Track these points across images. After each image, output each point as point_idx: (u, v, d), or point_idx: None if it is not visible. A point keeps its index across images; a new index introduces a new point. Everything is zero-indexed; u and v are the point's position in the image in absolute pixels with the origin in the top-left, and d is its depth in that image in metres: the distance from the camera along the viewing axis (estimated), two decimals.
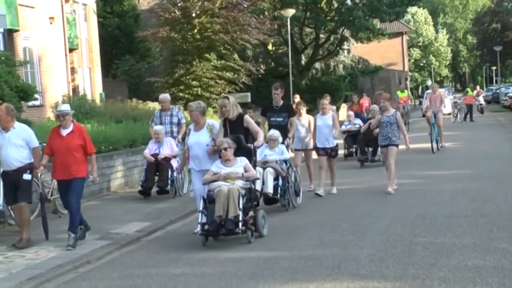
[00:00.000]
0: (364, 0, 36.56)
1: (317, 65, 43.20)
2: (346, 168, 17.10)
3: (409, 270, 7.31)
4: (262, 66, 34.37)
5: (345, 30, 39.02)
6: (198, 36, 26.91)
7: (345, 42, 43.04)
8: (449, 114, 38.52)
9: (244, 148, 9.83)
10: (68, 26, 24.54)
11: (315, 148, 13.58)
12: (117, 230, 10.52)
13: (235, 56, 29.04)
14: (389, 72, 57.01)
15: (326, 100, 13.83)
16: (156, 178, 13.57)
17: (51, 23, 23.18)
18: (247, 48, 33.50)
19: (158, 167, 13.58)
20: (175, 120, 14.18)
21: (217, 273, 7.79)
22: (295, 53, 37.01)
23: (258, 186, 10.78)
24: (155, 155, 13.65)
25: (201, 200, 9.31)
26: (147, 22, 31.60)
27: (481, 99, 41.66)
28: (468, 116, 34.99)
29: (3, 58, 12.83)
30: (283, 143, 12.24)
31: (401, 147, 13.81)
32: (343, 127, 19.66)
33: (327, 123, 13.39)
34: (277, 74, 38.17)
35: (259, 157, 11.32)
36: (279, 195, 11.46)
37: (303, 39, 40.21)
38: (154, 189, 13.61)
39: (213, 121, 10.27)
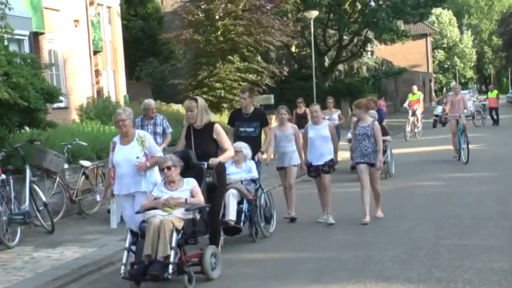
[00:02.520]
0: (387, 1, 36.39)
1: (340, 66, 43.10)
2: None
3: (434, 273, 7.26)
4: (285, 68, 34.27)
5: (369, 31, 38.88)
6: (222, 39, 26.98)
7: (369, 44, 42.89)
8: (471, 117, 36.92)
9: (196, 167, 7.89)
10: (93, 29, 24.72)
11: (306, 167, 10.91)
12: None
13: (259, 58, 29.07)
14: (413, 74, 56.67)
15: (318, 106, 11.32)
16: None
17: (75, 26, 23.36)
18: (271, 50, 33.48)
19: None
20: (159, 129, 12.23)
21: (240, 275, 7.80)
22: (318, 55, 36.94)
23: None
24: None
25: (129, 234, 7.45)
26: (170, 24, 31.73)
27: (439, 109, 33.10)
28: (496, 118, 32.67)
29: (29, 61, 12.91)
30: (253, 158, 10.06)
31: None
32: (349, 135, 16.70)
33: (321, 135, 10.71)
34: (301, 76, 38.16)
35: None
36: (242, 223, 9.33)
37: (326, 41, 40.13)
38: None
39: (144, 132, 8.40)
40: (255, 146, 10.25)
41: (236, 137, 10.41)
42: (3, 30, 10.41)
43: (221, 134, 8.28)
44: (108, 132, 15.52)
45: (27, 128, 12.60)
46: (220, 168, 8.19)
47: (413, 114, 27.21)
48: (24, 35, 19.89)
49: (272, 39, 27.83)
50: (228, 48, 27.20)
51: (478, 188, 13.26)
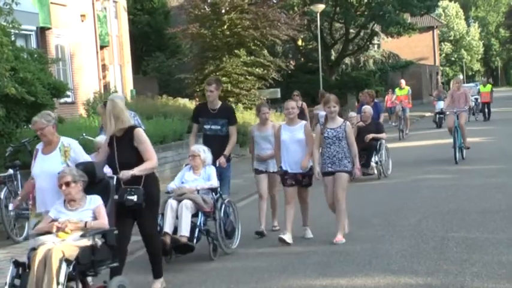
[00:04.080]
0: None
1: (347, 60, 43.02)
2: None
3: (442, 266, 7.25)
4: (291, 62, 34.28)
5: (375, 25, 38.79)
6: (228, 33, 26.96)
7: (375, 37, 42.80)
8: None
9: (103, 182, 6.61)
10: (99, 24, 24.76)
11: (280, 174, 9.26)
12: None
13: (265, 51, 29.03)
14: (420, 67, 56.51)
15: (294, 102, 9.68)
16: None
17: (82, 21, 23.41)
18: (277, 44, 33.44)
19: None
20: None
21: (248, 268, 7.82)
22: (324, 49, 36.86)
23: (169, 227, 8.00)
24: None
25: (11, 265, 6.01)
26: (177, 19, 31.75)
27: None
28: (487, 114, 31.38)
29: (36, 56, 12.98)
30: (214, 164, 8.87)
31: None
32: None
33: (296, 138, 9.03)
34: (307, 69, 38.10)
35: (177, 183, 8.66)
36: (195, 240, 8.12)
37: (333, 35, 40.05)
38: None
39: (70, 140, 6.93)
40: (222, 147, 9.11)
41: (203, 136, 9.44)
42: (10, 25, 10.42)
43: (143, 142, 6.90)
44: None
45: None
46: (149, 183, 6.88)
47: (403, 109, 25.57)
48: (31, 30, 19.93)
49: (278, 32, 27.79)
50: (234, 42, 27.18)
51: (485, 181, 13.22)
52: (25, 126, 12.23)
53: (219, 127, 9.26)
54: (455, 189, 12.54)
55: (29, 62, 11.89)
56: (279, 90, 28.39)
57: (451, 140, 16.67)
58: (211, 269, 7.87)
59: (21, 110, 11.32)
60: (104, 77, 25.48)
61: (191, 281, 7.48)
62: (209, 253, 8.35)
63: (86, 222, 6.23)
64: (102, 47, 25.15)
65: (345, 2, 36.73)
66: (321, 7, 29.45)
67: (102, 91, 22.74)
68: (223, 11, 27.26)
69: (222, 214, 8.57)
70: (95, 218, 6.31)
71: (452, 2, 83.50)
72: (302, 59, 41.01)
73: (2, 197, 9.66)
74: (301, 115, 16.50)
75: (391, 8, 35.41)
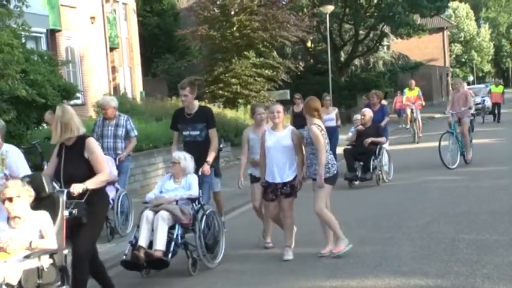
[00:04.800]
0: None
1: (356, 61, 42.95)
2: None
3: (452, 268, 7.23)
4: (301, 64, 34.25)
5: (385, 26, 38.72)
6: (237, 34, 27.02)
7: (385, 38, 42.71)
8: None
9: (51, 197, 6.00)
10: (109, 26, 24.86)
11: (262, 186, 8.43)
12: None
13: (274, 53, 29.10)
14: (430, 68, 56.37)
15: (281, 106, 8.56)
16: None
17: (92, 23, 23.52)
18: (286, 46, 33.51)
19: None
20: (121, 132, 10.45)
21: (257, 270, 7.82)
22: (334, 50, 36.84)
23: (144, 241, 7.49)
24: None
25: None
26: (186, 20, 31.82)
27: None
28: (497, 115, 30.77)
29: (46, 58, 13.06)
30: (196, 172, 8.26)
31: None
32: (349, 134, 15.00)
33: (282, 144, 8.24)
34: (316, 71, 38.10)
35: (156, 192, 8.21)
36: (170, 255, 7.49)
37: (342, 36, 40.02)
38: None
39: (9, 147, 6.58)
40: (203, 153, 8.45)
41: (183, 143, 8.87)
42: (21, 28, 10.49)
43: (95, 152, 6.30)
44: None
45: (44, 125, 12.71)
46: (94, 199, 6.24)
47: (412, 111, 24.30)
48: (41, 33, 20.04)
49: (288, 34, 27.84)
50: (243, 43, 27.24)
51: (494, 182, 13.14)
52: (35, 128, 12.30)
53: (197, 132, 8.66)
54: (465, 190, 12.48)
55: (39, 64, 11.96)
56: (288, 91, 28.42)
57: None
58: (221, 271, 7.88)
59: (32, 112, 11.39)
60: (114, 79, 25.58)
61: (201, 282, 7.49)
62: (188, 268, 7.71)
63: (31, 242, 5.60)
64: (111, 49, 25.25)
65: (354, 3, 36.72)
66: (330, 8, 29.44)
67: (112, 93, 22.82)
68: (232, 12, 27.34)
69: (202, 226, 7.93)
70: (41, 236, 5.69)
71: (463, 3, 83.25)
72: (311, 60, 41.00)
73: None
74: (303, 119, 16.32)
75: (401, 9, 35.32)
